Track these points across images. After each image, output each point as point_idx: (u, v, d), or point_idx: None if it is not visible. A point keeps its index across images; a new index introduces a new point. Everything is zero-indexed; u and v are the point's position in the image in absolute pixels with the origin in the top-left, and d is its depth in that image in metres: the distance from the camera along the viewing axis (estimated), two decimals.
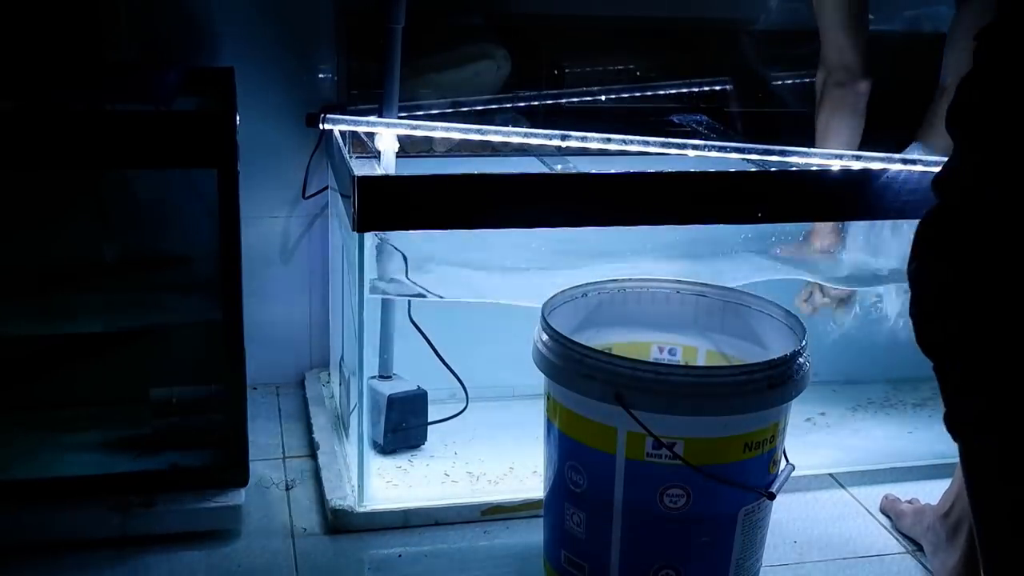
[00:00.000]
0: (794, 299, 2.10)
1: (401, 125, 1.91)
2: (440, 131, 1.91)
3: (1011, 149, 1.06)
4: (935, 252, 1.13)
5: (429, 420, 2.05)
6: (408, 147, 2.00)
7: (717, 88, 2.26)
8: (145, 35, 2.03)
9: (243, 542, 1.80)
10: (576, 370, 1.52)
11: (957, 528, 1.69)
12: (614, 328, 1.78)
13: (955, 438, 1.16)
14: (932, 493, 1.87)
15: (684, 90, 2.25)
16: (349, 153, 1.93)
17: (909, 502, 1.92)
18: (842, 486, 2.04)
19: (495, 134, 1.93)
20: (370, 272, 1.84)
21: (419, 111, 2.04)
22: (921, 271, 1.15)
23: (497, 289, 1.92)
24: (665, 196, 1.78)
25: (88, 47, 1.96)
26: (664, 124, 2.16)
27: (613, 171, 1.75)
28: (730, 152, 1.87)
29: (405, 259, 1.92)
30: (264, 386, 2.32)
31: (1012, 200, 1.05)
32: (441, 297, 1.89)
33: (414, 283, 1.91)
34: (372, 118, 1.94)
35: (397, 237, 1.92)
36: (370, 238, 1.81)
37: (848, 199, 1.86)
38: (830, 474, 2.06)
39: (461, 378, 2.01)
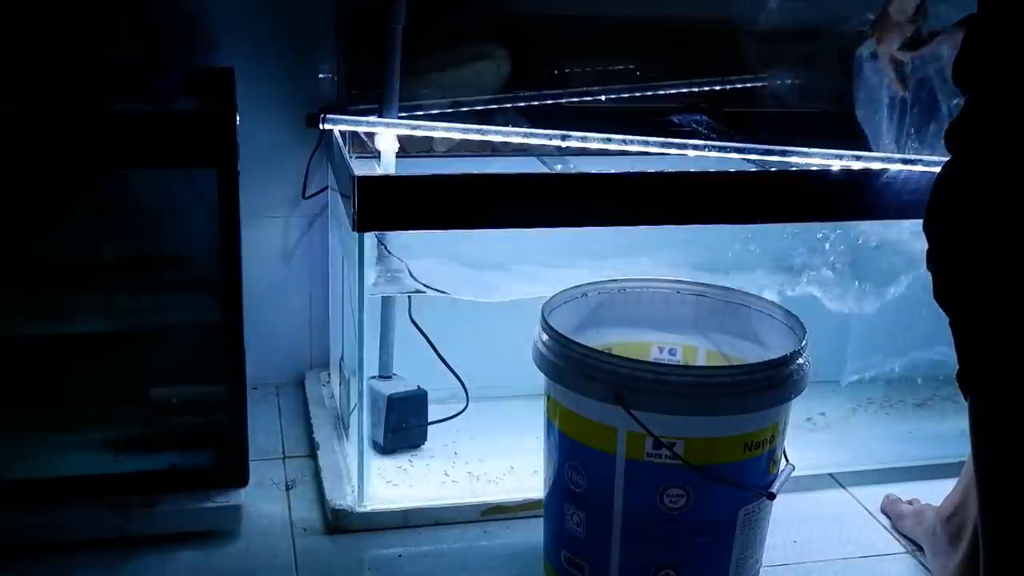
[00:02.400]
0: None
1: (401, 125, 1.91)
2: (440, 131, 1.91)
3: (1019, 100, 1.06)
4: (950, 209, 1.14)
5: (429, 420, 2.05)
6: (408, 147, 2.00)
7: (717, 88, 2.26)
8: (145, 35, 2.03)
9: (243, 542, 1.80)
10: (576, 370, 1.52)
11: (959, 531, 1.68)
12: (614, 328, 1.78)
13: (965, 395, 1.15)
14: (932, 493, 1.87)
15: (684, 90, 2.25)
16: (349, 153, 1.93)
17: (909, 502, 1.92)
18: (842, 486, 2.04)
19: (495, 134, 1.93)
20: (371, 274, 1.85)
21: (419, 111, 2.04)
22: (937, 228, 1.15)
23: (500, 287, 1.92)
24: (665, 196, 1.78)
25: (88, 47, 1.96)
26: (664, 124, 2.16)
27: (613, 171, 1.75)
28: (730, 152, 1.87)
29: (407, 267, 1.93)
30: (264, 386, 2.32)
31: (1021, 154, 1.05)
32: (444, 292, 1.89)
33: (416, 279, 1.91)
34: (372, 118, 1.94)
35: (396, 238, 1.93)
36: (370, 239, 1.81)
37: (848, 199, 1.86)
38: (830, 474, 2.06)
39: (461, 378, 2.01)
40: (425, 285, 1.90)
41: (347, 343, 2.06)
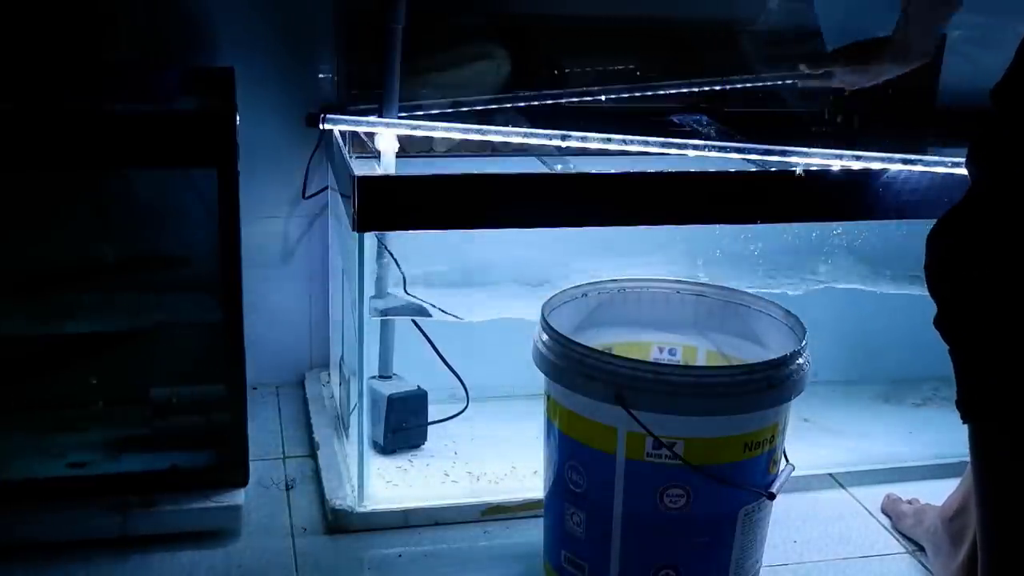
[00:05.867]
0: None
1: (401, 125, 1.91)
2: (440, 131, 1.91)
3: None
4: (955, 237, 1.13)
5: (429, 420, 2.05)
6: (408, 147, 2.00)
7: (717, 88, 2.26)
8: (145, 35, 2.03)
9: (243, 542, 1.80)
10: (576, 370, 1.52)
11: (962, 532, 1.68)
12: (614, 328, 1.78)
13: (966, 420, 1.13)
14: (932, 493, 1.87)
15: (684, 90, 2.24)
16: (349, 153, 1.93)
17: (909, 502, 1.92)
18: (842, 486, 2.04)
19: (495, 134, 1.93)
20: (370, 287, 1.85)
21: (419, 111, 2.04)
22: (941, 254, 1.14)
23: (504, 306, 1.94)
24: (665, 196, 1.78)
25: (88, 47, 1.96)
26: (664, 124, 2.16)
27: (613, 171, 1.75)
28: (730, 152, 1.87)
29: (404, 278, 1.93)
30: (264, 386, 2.32)
31: None
32: (457, 317, 1.91)
33: (413, 297, 1.92)
34: (372, 118, 1.94)
35: (397, 238, 1.93)
36: (370, 239, 1.81)
37: (848, 199, 1.86)
38: (830, 474, 2.06)
39: (461, 378, 2.01)
40: (420, 301, 1.92)
41: (347, 343, 2.06)
